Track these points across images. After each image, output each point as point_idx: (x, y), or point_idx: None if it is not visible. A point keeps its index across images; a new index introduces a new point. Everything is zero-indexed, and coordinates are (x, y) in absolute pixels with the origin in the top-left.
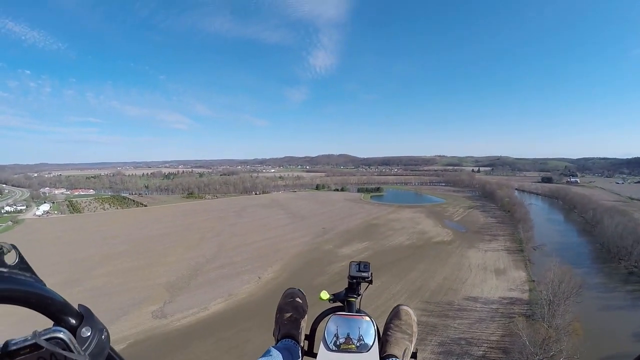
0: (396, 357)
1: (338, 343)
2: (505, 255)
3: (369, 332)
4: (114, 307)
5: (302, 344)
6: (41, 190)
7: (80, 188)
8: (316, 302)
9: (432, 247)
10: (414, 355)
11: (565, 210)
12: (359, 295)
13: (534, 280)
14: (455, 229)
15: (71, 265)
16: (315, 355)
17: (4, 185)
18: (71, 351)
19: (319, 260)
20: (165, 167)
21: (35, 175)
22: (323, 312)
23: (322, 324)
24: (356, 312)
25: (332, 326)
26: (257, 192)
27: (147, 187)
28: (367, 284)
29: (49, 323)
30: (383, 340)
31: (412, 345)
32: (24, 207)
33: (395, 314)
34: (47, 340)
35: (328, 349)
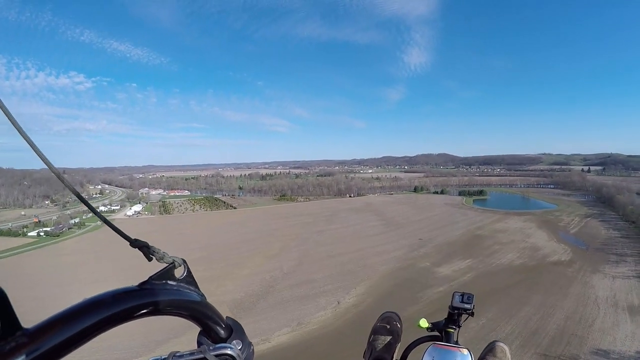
0: None
1: None
2: (638, 284)
3: None
4: (155, 328)
5: None
6: (140, 190)
7: (177, 189)
8: (411, 326)
9: (548, 270)
10: None
11: None
12: (459, 326)
13: None
14: (573, 245)
15: (129, 273)
16: None
17: (107, 186)
18: None
19: (412, 282)
20: (265, 167)
21: (141, 176)
22: (418, 339)
23: (414, 352)
24: (454, 344)
25: (429, 356)
26: (352, 195)
27: (241, 188)
28: (468, 315)
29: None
30: None
31: None
32: (117, 207)
33: (490, 349)
34: (216, 356)
35: None
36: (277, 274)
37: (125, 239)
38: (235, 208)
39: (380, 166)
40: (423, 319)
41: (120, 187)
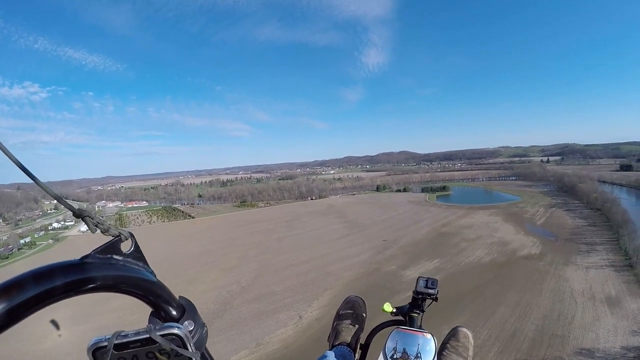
0: None
1: (396, 357)
2: (612, 274)
3: (428, 349)
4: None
5: (356, 353)
6: (97, 203)
7: (135, 200)
8: (377, 312)
9: (519, 265)
10: None
11: None
12: (422, 311)
13: None
14: (542, 237)
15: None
16: None
17: None
18: (186, 348)
19: (378, 288)
20: (226, 173)
21: (99, 188)
22: (382, 323)
23: (378, 336)
24: (418, 328)
25: (393, 340)
26: (313, 197)
27: (200, 196)
28: (432, 300)
29: (140, 310)
30: None
31: None
32: (72, 223)
33: (453, 334)
34: (162, 336)
35: None
36: (234, 289)
37: (69, 208)
38: (193, 217)
39: (342, 166)
40: (387, 304)
41: (77, 201)
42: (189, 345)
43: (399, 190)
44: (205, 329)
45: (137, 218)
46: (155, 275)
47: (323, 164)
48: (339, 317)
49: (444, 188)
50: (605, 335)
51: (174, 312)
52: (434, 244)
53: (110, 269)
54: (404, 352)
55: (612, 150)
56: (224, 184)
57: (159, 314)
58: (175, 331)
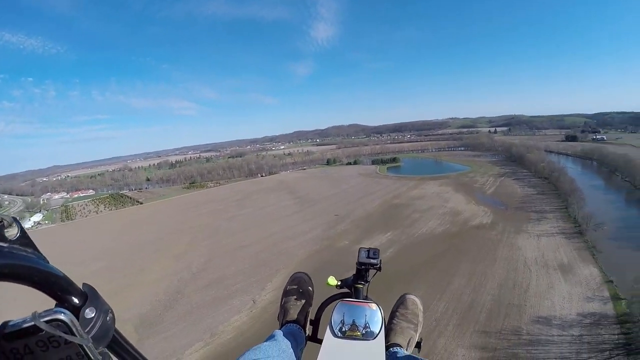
0: (400, 346)
1: (344, 330)
2: (563, 241)
3: (375, 320)
4: None
5: (306, 330)
6: (42, 196)
7: (81, 189)
8: (323, 287)
9: (472, 235)
10: (418, 344)
11: (604, 174)
12: (366, 282)
13: (612, 281)
14: (492, 206)
15: (18, 299)
16: (319, 341)
17: (6, 196)
18: (73, 334)
19: (332, 265)
20: (175, 154)
21: (44, 179)
22: (329, 297)
23: (327, 310)
24: (363, 299)
25: (338, 312)
26: (264, 174)
27: (148, 179)
28: (376, 270)
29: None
30: (388, 328)
31: (417, 334)
32: None
33: (401, 302)
34: (47, 322)
35: (334, 335)
36: (185, 276)
37: None
38: (141, 203)
39: (293, 141)
40: (331, 277)
41: (21, 195)
42: (75, 331)
43: (349, 164)
44: (110, 314)
45: (84, 208)
46: (47, 262)
47: (273, 139)
48: (285, 294)
49: (394, 160)
50: (560, 303)
51: (75, 300)
52: (386, 217)
53: None
54: (353, 323)
55: (557, 122)
56: (172, 165)
57: (62, 304)
58: (60, 317)
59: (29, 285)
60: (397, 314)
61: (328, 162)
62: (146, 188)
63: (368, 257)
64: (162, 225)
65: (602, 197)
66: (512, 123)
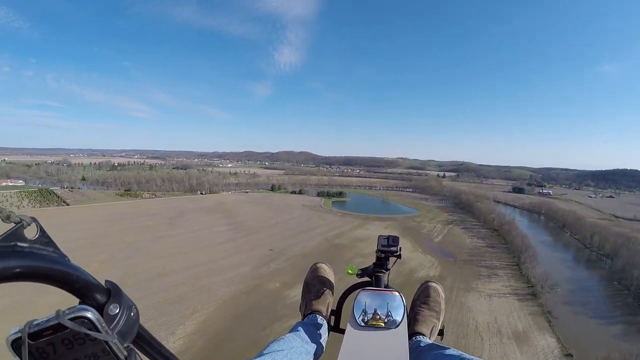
0: (423, 334)
1: (366, 319)
2: (516, 303)
3: (397, 308)
4: None
5: (328, 319)
6: None
7: (11, 178)
8: (343, 276)
9: (416, 288)
10: (440, 332)
11: (552, 229)
12: (387, 270)
13: (571, 355)
14: (440, 256)
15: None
16: (342, 331)
17: None
18: (98, 331)
19: (257, 312)
20: (121, 156)
21: None
22: (350, 287)
23: (349, 299)
24: (385, 288)
25: (360, 301)
26: (204, 192)
27: (84, 179)
28: (396, 258)
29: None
30: (410, 317)
31: (440, 322)
32: None
33: (423, 290)
34: (72, 319)
35: (356, 324)
36: None
37: None
38: (68, 205)
39: (242, 161)
40: (351, 266)
41: None
42: (100, 327)
43: (294, 192)
44: (134, 310)
45: (6, 200)
46: (69, 260)
47: (222, 156)
48: (306, 285)
49: (340, 194)
50: None
51: (98, 297)
52: (326, 257)
53: (15, 258)
54: (375, 312)
55: (504, 172)
56: (113, 167)
57: (85, 302)
58: (85, 314)
59: (51, 285)
60: (419, 302)
61: (272, 188)
62: (79, 188)
63: (387, 244)
64: (80, 235)
65: (552, 255)
66: (460, 169)
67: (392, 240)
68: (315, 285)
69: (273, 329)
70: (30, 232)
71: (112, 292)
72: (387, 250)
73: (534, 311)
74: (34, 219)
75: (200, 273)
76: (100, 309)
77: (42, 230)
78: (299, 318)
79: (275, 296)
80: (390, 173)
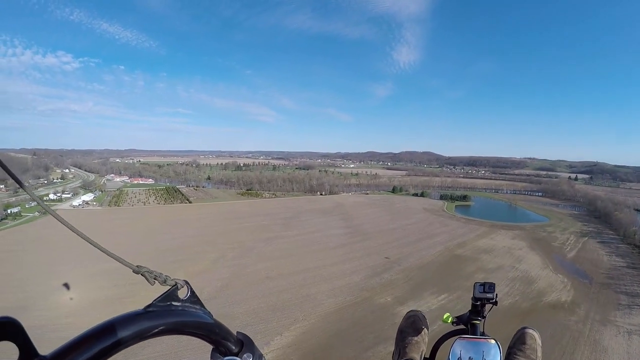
0: None
1: None
2: None
3: (494, 356)
4: None
5: None
6: (105, 176)
7: (143, 177)
8: (438, 324)
9: (546, 317)
10: None
11: None
12: (483, 317)
13: None
14: (573, 276)
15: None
16: None
17: (73, 169)
18: None
19: (362, 330)
20: (247, 157)
21: (117, 160)
22: (445, 334)
23: (443, 348)
24: (481, 335)
25: (456, 350)
26: (323, 193)
27: (209, 178)
28: (492, 305)
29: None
30: None
31: None
32: (69, 195)
33: (519, 337)
34: None
35: None
36: None
37: (127, 266)
38: (190, 202)
39: (364, 161)
40: (447, 314)
41: (90, 172)
42: None
43: (415, 194)
44: (264, 359)
45: (135, 197)
46: (212, 316)
47: (345, 156)
48: (400, 333)
49: (464, 197)
50: None
51: (233, 347)
52: (445, 271)
53: (171, 315)
54: None
55: None
56: (238, 167)
57: (219, 350)
58: None
59: (197, 337)
60: (515, 349)
61: (393, 190)
62: (203, 187)
63: (484, 291)
64: (197, 231)
65: None
66: (594, 171)
67: (489, 287)
68: (410, 332)
69: (376, 351)
70: (182, 293)
71: (244, 342)
72: (483, 297)
73: None
74: (186, 282)
75: (308, 279)
76: (235, 356)
77: (191, 291)
78: None
79: (384, 312)
80: (517, 175)
